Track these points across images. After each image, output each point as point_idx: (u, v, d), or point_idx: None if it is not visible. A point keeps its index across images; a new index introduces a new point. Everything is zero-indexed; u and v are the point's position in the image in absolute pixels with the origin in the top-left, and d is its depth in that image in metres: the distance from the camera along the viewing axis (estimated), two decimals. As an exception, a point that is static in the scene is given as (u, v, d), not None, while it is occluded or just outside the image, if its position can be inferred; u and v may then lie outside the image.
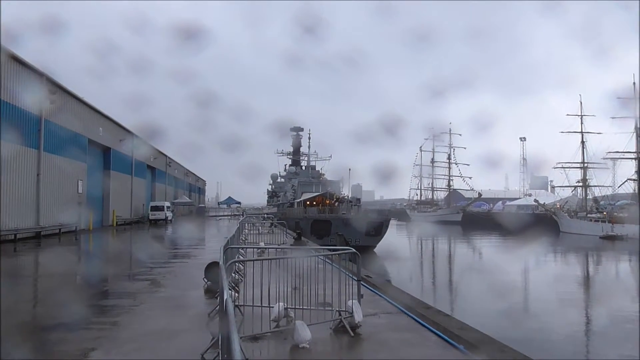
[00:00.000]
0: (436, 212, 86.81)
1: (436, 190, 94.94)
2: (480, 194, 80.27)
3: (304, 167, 68.73)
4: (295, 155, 71.67)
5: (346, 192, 48.45)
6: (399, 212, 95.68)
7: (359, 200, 45.16)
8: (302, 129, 72.06)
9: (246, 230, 20.80)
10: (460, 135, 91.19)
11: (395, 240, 44.22)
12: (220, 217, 54.12)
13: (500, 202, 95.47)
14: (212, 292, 8.55)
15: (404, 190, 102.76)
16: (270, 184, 75.69)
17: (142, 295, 8.73)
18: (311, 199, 44.54)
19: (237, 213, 56.99)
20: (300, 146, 73.12)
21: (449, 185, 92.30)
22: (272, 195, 69.98)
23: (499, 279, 21.07)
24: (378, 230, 35.03)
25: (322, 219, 35.49)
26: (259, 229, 21.90)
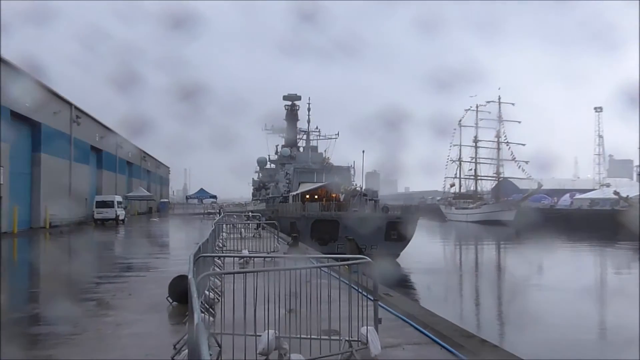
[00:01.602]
0: (480, 209, 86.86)
1: (481, 179, 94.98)
2: (540, 184, 80.00)
3: (302, 149, 68.74)
4: (290, 132, 71.50)
5: (358, 182, 48.37)
6: (431, 209, 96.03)
7: (376, 193, 45.17)
8: (299, 97, 71.80)
9: (224, 234, 20.86)
10: (512, 105, 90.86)
11: (425, 246, 44.39)
12: (189, 216, 54.30)
13: (568, 194, 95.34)
14: (179, 315, 8.59)
15: (436, 180, 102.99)
16: (256, 172, 75.54)
17: (86, 320, 8.78)
18: (312, 192, 44.56)
19: (212, 210, 57.15)
20: (297, 120, 73.04)
21: (497, 172, 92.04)
22: (258, 186, 69.97)
23: (566, 301, 21.10)
24: (402, 233, 35.11)
25: (327, 219, 35.56)
26: (241, 232, 21.98)
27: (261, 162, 73.62)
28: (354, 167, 51.24)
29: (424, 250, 40.31)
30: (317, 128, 67.72)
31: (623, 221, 47.93)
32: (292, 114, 72.63)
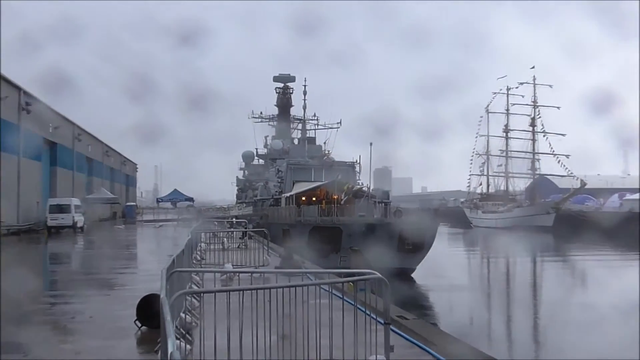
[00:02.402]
0: (512, 212, 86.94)
1: (512, 176, 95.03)
2: (584, 183, 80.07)
3: (296, 141, 68.67)
4: (282, 120, 71.50)
5: (365, 181, 48.35)
6: (453, 213, 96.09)
7: (386, 194, 45.11)
8: (292, 79, 71.78)
9: (203, 244, 20.86)
10: (550, 87, 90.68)
11: (446, 259, 44.39)
12: (161, 223, 54.34)
13: (616, 194, 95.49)
14: (150, 342, 8.59)
15: (459, 178, 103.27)
16: (241, 169, 75.44)
17: (39, 347, 8.77)
18: (309, 193, 44.51)
19: (189, 216, 57.06)
20: (291, 106, 73.04)
21: (532, 168, 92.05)
22: (244, 186, 69.87)
23: (615, 324, 21.12)
24: (418, 242, 35.06)
25: (327, 226, 35.53)
26: (223, 242, 21.98)
27: (247, 157, 73.27)
28: (359, 163, 51.18)
29: (445, 264, 40.28)
30: (314, 115, 67.79)
31: None
32: (284, 98, 72.61)
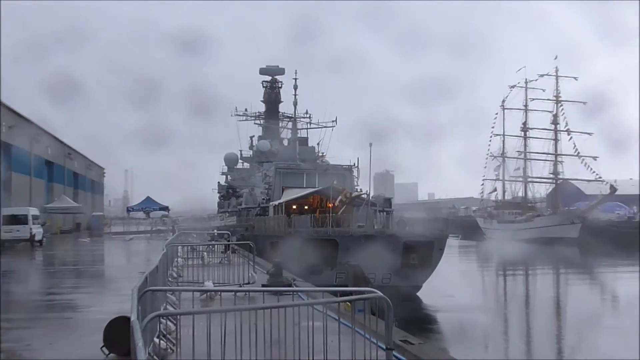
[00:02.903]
0: (532, 222, 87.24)
1: (532, 181, 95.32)
2: (614, 188, 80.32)
3: (286, 142, 68.56)
4: (270, 118, 71.54)
5: (364, 187, 48.44)
6: (464, 223, 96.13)
7: (388, 201, 45.14)
8: (281, 71, 71.92)
9: (180, 259, 20.82)
10: (575, 79, 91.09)
11: (457, 275, 44.46)
12: (132, 236, 54.21)
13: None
14: (119, 372, 8.58)
15: (471, 183, 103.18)
16: (223, 173, 75.45)
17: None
18: (300, 201, 44.55)
19: (163, 227, 56.87)
20: (280, 102, 73.02)
21: (555, 172, 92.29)
22: (227, 193, 69.77)
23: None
24: (424, 257, 35.15)
25: (321, 238, 35.57)
26: (203, 257, 21.98)
27: (230, 160, 73.08)
28: (357, 167, 51.27)
29: (456, 281, 40.35)
30: (307, 113, 67.82)
31: None
32: (272, 93, 72.62)
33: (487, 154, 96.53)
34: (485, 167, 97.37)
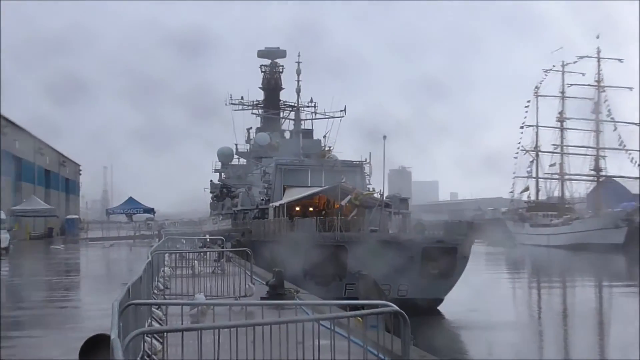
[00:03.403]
0: (570, 226, 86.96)
1: (570, 179, 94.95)
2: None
3: (288, 134, 68.54)
4: (270, 107, 71.54)
5: (377, 186, 48.42)
6: (492, 227, 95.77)
7: (405, 202, 45.12)
8: (282, 53, 71.91)
9: (167, 269, 20.85)
10: (620, 61, 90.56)
11: (484, 286, 44.37)
12: (112, 242, 54.35)
13: None
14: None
15: (500, 182, 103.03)
16: (216, 171, 75.59)
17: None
18: (304, 201, 44.59)
19: (148, 233, 56.94)
20: (280, 89, 73.00)
21: (597, 167, 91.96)
22: (221, 193, 70.00)
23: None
24: (447, 266, 35.14)
25: (328, 244, 35.61)
26: (194, 266, 22.02)
27: (224, 156, 73.21)
28: (369, 163, 51.24)
29: (482, 293, 40.27)
30: (311, 101, 67.78)
31: None
32: (272, 79, 72.66)
33: (518, 148, 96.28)
34: (515, 164, 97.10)
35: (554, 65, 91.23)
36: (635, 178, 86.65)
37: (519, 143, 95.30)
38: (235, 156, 73.06)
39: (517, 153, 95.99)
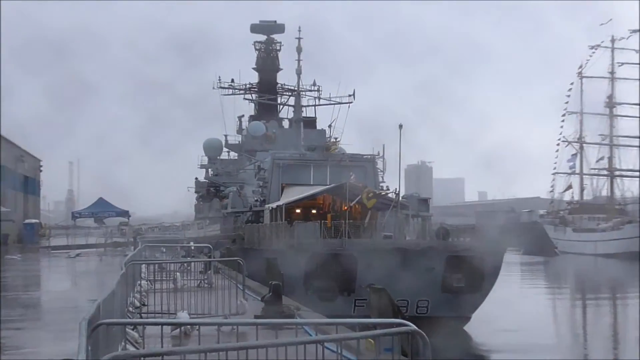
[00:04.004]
0: (620, 231, 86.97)
1: (620, 175, 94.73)
2: None
3: (286, 123, 68.55)
4: (266, 92, 71.56)
5: (392, 184, 48.44)
6: (528, 232, 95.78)
7: (425, 203, 45.12)
8: (280, 28, 71.92)
9: (144, 282, 20.91)
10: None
11: (519, 303, 44.42)
12: (79, 251, 54.54)
13: None
14: None
15: (537, 180, 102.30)
16: (202, 166, 75.62)
17: None
18: (306, 202, 44.63)
19: (122, 239, 57.09)
20: (278, 70, 73.03)
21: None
22: (207, 192, 70.15)
23: None
24: (474, 278, 35.14)
25: (335, 252, 35.64)
26: (176, 279, 22.06)
27: (211, 149, 73.20)
28: (383, 157, 51.28)
29: (517, 310, 40.31)
30: (314, 85, 67.57)
31: None
32: (268, 58, 72.73)
33: (559, 139, 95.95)
34: (556, 158, 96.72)
35: (602, 42, 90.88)
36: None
37: (560, 133, 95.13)
38: (225, 149, 73.20)
39: (557, 145, 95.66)
